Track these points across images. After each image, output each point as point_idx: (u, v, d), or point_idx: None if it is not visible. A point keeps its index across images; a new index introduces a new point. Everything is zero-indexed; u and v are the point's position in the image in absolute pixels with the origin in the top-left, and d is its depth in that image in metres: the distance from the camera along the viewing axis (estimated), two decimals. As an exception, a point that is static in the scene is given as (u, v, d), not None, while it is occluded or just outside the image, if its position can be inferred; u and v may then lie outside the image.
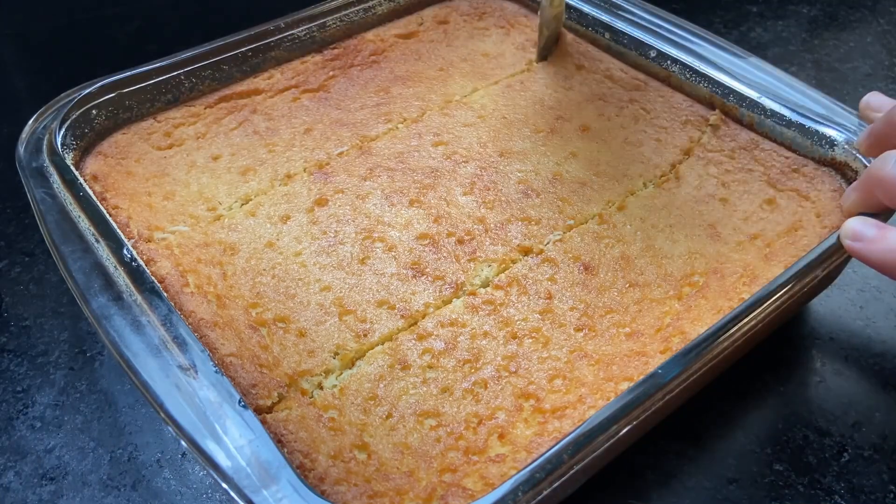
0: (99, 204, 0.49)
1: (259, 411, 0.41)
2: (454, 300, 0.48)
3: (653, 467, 0.47)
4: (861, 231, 0.45)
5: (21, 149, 0.53)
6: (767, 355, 0.52)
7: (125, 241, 0.46)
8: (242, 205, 0.54)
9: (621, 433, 0.37)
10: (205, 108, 0.61)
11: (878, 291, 0.57)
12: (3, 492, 0.47)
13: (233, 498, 0.35)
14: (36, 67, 0.84)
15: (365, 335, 0.46)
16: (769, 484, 0.46)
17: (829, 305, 0.56)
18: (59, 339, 0.56)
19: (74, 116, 0.56)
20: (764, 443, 0.48)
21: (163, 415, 0.38)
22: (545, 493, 0.35)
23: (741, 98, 0.58)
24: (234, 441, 0.37)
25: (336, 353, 0.45)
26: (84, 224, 0.47)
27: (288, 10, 0.66)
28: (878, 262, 0.44)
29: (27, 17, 0.90)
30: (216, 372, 0.40)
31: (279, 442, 0.40)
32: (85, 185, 0.50)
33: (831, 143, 0.54)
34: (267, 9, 0.68)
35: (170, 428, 0.38)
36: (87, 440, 0.49)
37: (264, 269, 0.50)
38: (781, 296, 0.43)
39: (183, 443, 0.37)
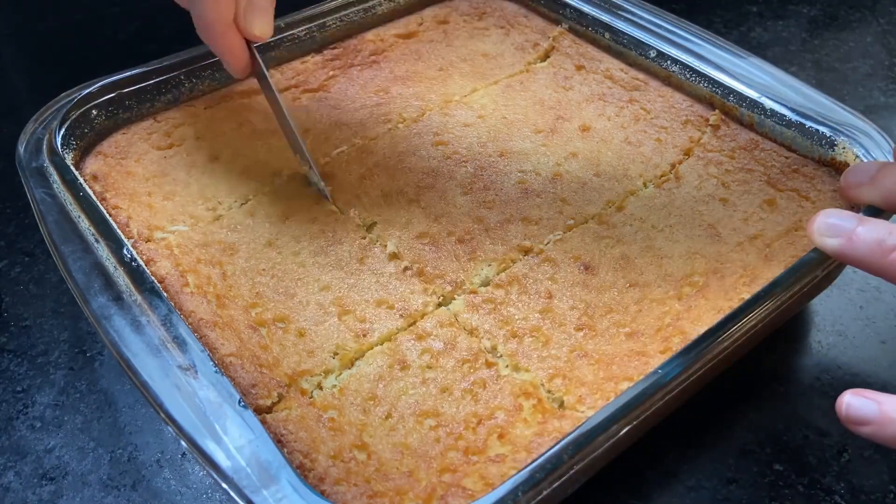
0: (99, 204, 0.49)
1: (259, 411, 0.41)
2: (454, 299, 0.48)
3: (653, 467, 0.47)
4: (839, 225, 0.43)
5: (21, 149, 0.53)
6: (768, 355, 0.52)
7: (125, 241, 0.46)
8: (242, 205, 0.54)
9: (621, 433, 0.37)
10: (204, 108, 0.61)
11: (878, 291, 0.57)
12: (3, 492, 0.47)
13: (233, 498, 0.35)
14: (36, 67, 0.84)
15: (364, 335, 0.46)
16: (769, 484, 0.46)
17: (829, 305, 0.56)
18: (59, 339, 0.56)
19: (74, 116, 0.56)
20: (764, 443, 0.48)
21: (163, 415, 0.38)
22: (545, 493, 0.35)
23: (741, 98, 0.58)
24: (233, 441, 0.37)
25: (335, 353, 0.45)
26: (84, 224, 0.47)
27: (288, 11, 0.66)
28: (862, 257, 0.42)
29: (27, 17, 0.90)
30: (216, 372, 0.40)
31: (279, 442, 0.40)
32: (85, 185, 0.50)
33: (831, 143, 0.54)
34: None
35: (170, 428, 0.38)
36: (87, 440, 0.49)
37: (264, 269, 0.49)
38: (781, 296, 0.43)
39: (183, 443, 0.37)
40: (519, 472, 0.35)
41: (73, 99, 0.56)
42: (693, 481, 0.46)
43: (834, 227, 0.43)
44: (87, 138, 0.57)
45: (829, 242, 0.43)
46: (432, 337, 0.46)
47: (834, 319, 0.55)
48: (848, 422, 0.39)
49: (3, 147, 0.71)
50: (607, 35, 0.66)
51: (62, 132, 0.55)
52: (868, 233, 0.42)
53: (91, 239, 0.46)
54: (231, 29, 0.44)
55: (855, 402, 0.39)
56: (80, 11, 0.90)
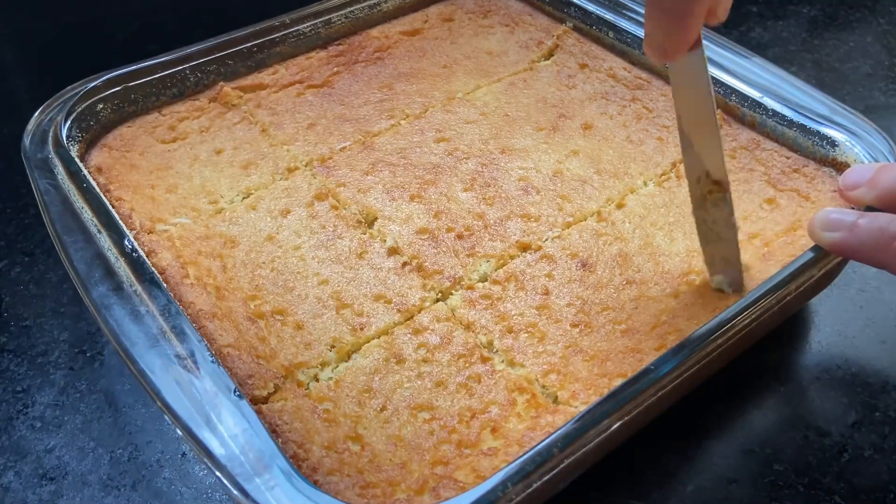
0: (102, 195, 0.49)
1: (255, 401, 0.41)
2: (451, 295, 0.48)
3: (653, 467, 0.47)
4: (840, 219, 0.43)
5: (27, 140, 0.53)
6: (767, 355, 0.52)
7: (127, 231, 0.47)
8: (244, 198, 0.55)
9: (612, 428, 0.37)
10: (209, 103, 0.62)
11: (878, 291, 0.56)
12: (3, 492, 0.47)
13: (231, 496, 0.35)
14: (36, 67, 0.84)
15: (361, 329, 0.46)
16: (769, 484, 0.46)
17: (829, 305, 0.56)
18: (59, 339, 0.56)
19: (80, 109, 0.56)
20: (764, 443, 0.48)
21: (159, 403, 0.38)
22: (535, 485, 0.35)
23: (743, 98, 0.58)
24: (228, 430, 0.37)
25: (332, 346, 0.45)
26: (87, 215, 0.48)
27: (294, 6, 0.66)
28: (865, 247, 0.42)
29: (27, 17, 0.90)
30: (213, 362, 0.40)
31: (273, 432, 0.40)
32: (89, 176, 0.51)
33: (832, 143, 0.53)
34: (266, 9, 0.68)
35: (169, 424, 0.38)
36: (87, 440, 0.49)
37: (263, 262, 0.50)
38: (777, 295, 0.43)
39: (178, 431, 0.37)
40: (509, 464, 0.35)
41: (79, 92, 0.57)
42: (693, 481, 0.46)
43: (834, 222, 0.43)
44: (92, 131, 0.58)
45: (830, 236, 0.43)
46: (429, 331, 0.46)
47: (834, 319, 0.55)
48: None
49: (3, 147, 0.71)
50: (611, 34, 0.66)
51: (68, 124, 0.55)
52: (870, 223, 0.42)
53: (93, 229, 0.47)
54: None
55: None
56: (81, 11, 0.90)
